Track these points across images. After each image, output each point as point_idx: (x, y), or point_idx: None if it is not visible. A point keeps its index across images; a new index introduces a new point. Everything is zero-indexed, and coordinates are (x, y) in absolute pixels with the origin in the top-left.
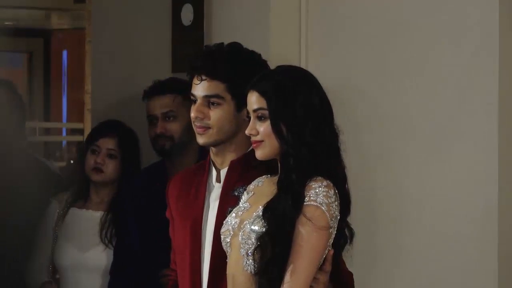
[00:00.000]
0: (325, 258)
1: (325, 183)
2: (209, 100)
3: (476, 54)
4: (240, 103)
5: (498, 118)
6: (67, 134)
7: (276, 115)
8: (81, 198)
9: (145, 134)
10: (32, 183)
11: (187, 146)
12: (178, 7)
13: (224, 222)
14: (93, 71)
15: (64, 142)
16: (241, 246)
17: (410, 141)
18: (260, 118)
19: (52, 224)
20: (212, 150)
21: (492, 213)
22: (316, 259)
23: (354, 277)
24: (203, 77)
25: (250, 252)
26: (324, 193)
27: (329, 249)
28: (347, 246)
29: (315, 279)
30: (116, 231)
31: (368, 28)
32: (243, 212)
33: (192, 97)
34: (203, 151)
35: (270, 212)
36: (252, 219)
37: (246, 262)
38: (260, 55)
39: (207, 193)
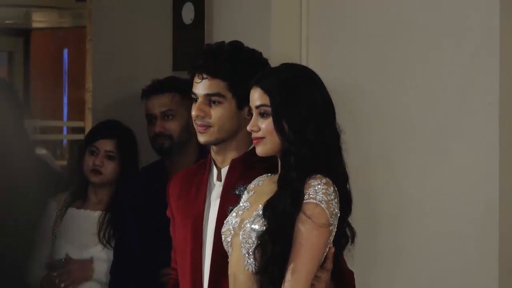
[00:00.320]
0: (326, 256)
1: (324, 180)
2: (210, 99)
3: (477, 54)
4: (241, 101)
5: (499, 118)
6: (67, 132)
7: (279, 112)
8: (80, 198)
9: (145, 133)
10: (33, 182)
11: (186, 145)
12: (179, 6)
13: (225, 221)
14: (94, 70)
15: (65, 141)
16: (242, 245)
17: (411, 141)
18: (263, 115)
19: (51, 224)
20: (213, 148)
21: (492, 213)
22: (317, 257)
23: (355, 276)
24: (204, 76)
25: (251, 251)
26: (324, 191)
27: (330, 247)
28: (348, 246)
29: (316, 277)
30: (115, 231)
31: (368, 28)
32: (243, 212)
33: (193, 96)
34: (203, 150)
35: (270, 210)
36: (252, 218)
37: (247, 261)
38: (261, 53)
39: (208, 191)
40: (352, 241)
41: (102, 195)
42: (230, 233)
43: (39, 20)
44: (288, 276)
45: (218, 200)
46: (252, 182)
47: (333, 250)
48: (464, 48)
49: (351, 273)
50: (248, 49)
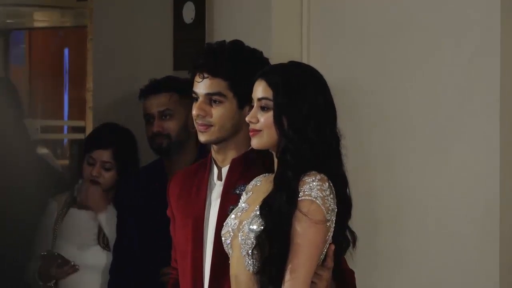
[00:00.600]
0: (326, 254)
1: (318, 177)
2: (211, 98)
3: (477, 54)
4: (242, 101)
5: (499, 118)
6: (68, 132)
7: (280, 108)
8: None
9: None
10: (34, 182)
11: (185, 145)
12: (180, 5)
13: (224, 223)
14: (94, 69)
15: (65, 140)
16: (242, 246)
17: (411, 141)
18: (263, 108)
19: (52, 223)
20: (214, 147)
21: (493, 213)
22: (316, 254)
23: (356, 278)
24: (205, 75)
25: (250, 252)
26: (318, 187)
27: (330, 244)
28: (350, 250)
29: (317, 275)
30: (115, 231)
31: (369, 28)
32: (242, 213)
33: (193, 95)
34: (202, 149)
35: (266, 209)
36: (250, 219)
37: (247, 262)
38: (262, 53)
39: (208, 191)
40: (354, 245)
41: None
42: (230, 235)
43: (40, 19)
44: (288, 275)
45: (219, 200)
46: (250, 183)
47: (333, 247)
48: (464, 48)
49: (352, 272)
50: (248, 49)
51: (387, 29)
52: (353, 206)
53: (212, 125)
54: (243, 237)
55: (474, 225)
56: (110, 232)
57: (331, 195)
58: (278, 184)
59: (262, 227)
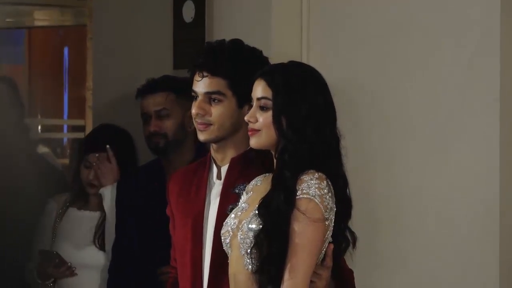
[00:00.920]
0: (325, 253)
1: (316, 175)
2: (210, 97)
3: (477, 54)
4: (241, 99)
5: (499, 117)
6: (68, 131)
7: (279, 108)
8: (80, 198)
9: None
10: (35, 181)
11: (182, 144)
12: (180, 4)
13: (224, 223)
14: (94, 68)
15: (65, 139)
16: (241, 245)
17: (411, 141)
18: (262, 108)
19: (51, 223)
20: (213, 146)
21: (493, 213)
22: (314, 253)
23: (355, 278)
24: (205, 74)
25: (249, 251)
26: (316, 185)
27: (329, 243)
28: (350, 250)
29: (317, 274)
30: (114, 230)
31: (369, 27)
32: (241, 213)
33: (193, 94)
34: (200, 149)
35: (264, 208)
36: (249, 218)
37: (246, 261)
38: (261, 52)
39: (207, 190)
40: (354, 246)
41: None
42: (229, 235)
43: (39, 18)
44: (287, 274)
45: (218, 199)
46: (251, 182)
47: (332, 246)
48: (464, 48)
49: (351, 271)
50: (248, 48)
51: (387, 29)
52: (353, 206)
53: (211, 124)
54: (242, 236)
55: (474, 225)
56: (110, 214)
57: (330, 194)
58: (276, 184)
59: (261, 226)
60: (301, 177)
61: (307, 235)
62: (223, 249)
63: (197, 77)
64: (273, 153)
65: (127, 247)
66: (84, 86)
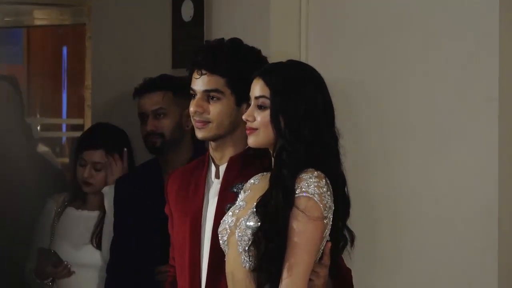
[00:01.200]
0: (323, 252)
1: (315, 173)
2: (209, 95)
3: (476, 54)
4: (240, 98)
5: (498, 117)
6: (67, 130)
7: (277, 107)
8: (78, 198)
9: None
10: (35, 180)
11: (179, 143)
12: (179, 3)
13: (222, 221)
14: (93, 67)
15: (64, 138)
16: (238, 243)
17: (410, 141)
18: (260, 107)
19: (50, 222)
20: (211, 145)
21: (492, 212)
22: (313, 251)
23: (354, 277)
24: (203, 72)
25: (247, 248)
26: (315, 184)
27: (327, 242)
28: (348, 249)
29: (315, 272)
30: (113, 229)
31: (368, 27)
32: (239, 210)
33: (191, 92)
34: (198, 148)
35: (262, 207)
36: (247, 216)
37: (244, 259)
38: (260, 51)
39: (206, 189)
40: (352, 244)
41: (99, 196)
42: (227, 232)
43: (38, 17)
44: (285, 272)
45: (216, 198)
46: (249, 181)
47: (330, 245)
48: (463, 48)
49: (349, 270)
50: (247, 46)
51: (386, 29)
52: (351, 205)
53: (209, 122)
54: (240, 234)
55: (473, 225)
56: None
57: (328, 192)
58: (274, 182)
59: (259, 223)
60: (300, 176)
61: (306, 234)
62: (221, 248)
63: (195, 75)
64: (271, 151)
65: (125, 246)
66: (83, 85)
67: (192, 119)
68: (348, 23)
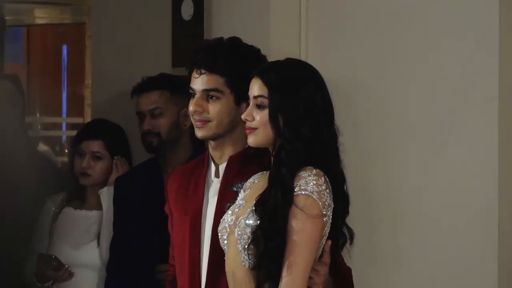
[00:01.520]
0: (323, 250)
1: (314, 171)
2: (208, 94)
3: (476, 53)
4: (239, 97)
5: (498, 116)
6: (67, 129)
7: (275, 106)
8: (77, 198)
9: None
10: (35, 180)
11: (177, 143)
12: (178, 2)
13: (221, 219)
14: (93, 66)
15: (64, 137)
16: (238, 241)
17: (410, 140)
18: (259, 106)
19: (49, 222)
20: (211, 144)
21: (492, 212)
22: (313, 249)
23: (353, 277)
24: (202, 71)
25: (246, 247)
26: (314, 182)
27: (326, 240)
28: (347, 247)
29: (315, 270)
30: (112, 228)
31: (368, 26)
32: (239, 209)
33: (190, 91)
34: (197, 148)
35: (261, 206)
36: (246, 214)
37: (244, 258)
38: (259, 50)
39: (206, 188)
40: (351, 242)
41: (98, 195)
42: (226, 231)
43: (38, 16)
44: (285, 270)
45: (216, 197)
46: (248, 180)
47: (330, 243)
48: (463, 47)
49: (349, 269)
50: (246, 45)
51: (386, 27)
52: (350, 203)
53: (209, 121)
54: (239, 232)
55: (473, 224)
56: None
57: (327, 190)
58: (273, 181)
59: (258, 222)
60: (299, 174)
61: (305, 232)
62: (221, 247)
63: (194, 74)
64: (270, 151)
65: (125, 245)
66: (83, 84)
67: (191, 119)
68: (348, 23)
